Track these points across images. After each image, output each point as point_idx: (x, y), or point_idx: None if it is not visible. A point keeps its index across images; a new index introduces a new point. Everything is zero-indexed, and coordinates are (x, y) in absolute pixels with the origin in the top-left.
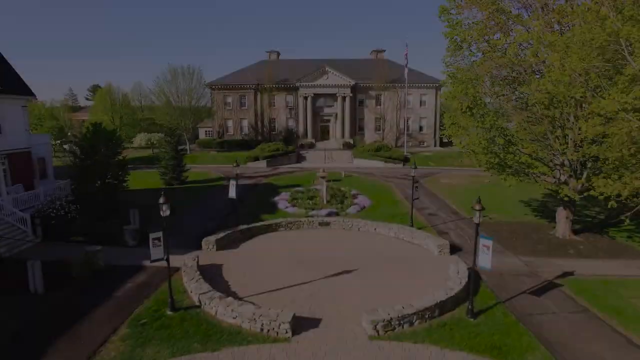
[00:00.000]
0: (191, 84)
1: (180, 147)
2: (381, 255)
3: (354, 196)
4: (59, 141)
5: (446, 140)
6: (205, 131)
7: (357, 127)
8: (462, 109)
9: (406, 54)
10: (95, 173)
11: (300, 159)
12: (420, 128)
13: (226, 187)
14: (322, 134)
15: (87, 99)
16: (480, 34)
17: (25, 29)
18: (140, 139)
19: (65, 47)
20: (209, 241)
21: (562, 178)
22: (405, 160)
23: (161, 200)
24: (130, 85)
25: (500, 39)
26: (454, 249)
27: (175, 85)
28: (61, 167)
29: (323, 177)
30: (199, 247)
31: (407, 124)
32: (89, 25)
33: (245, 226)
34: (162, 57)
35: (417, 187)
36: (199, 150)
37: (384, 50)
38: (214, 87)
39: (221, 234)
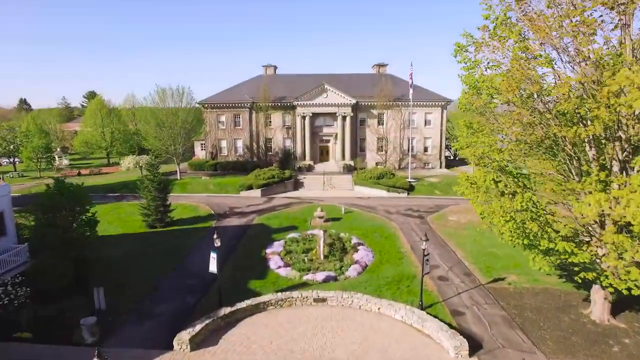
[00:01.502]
0: (181, 104)
1: (165, 180)
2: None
3: (355, 247)
4: (48, 155)
5: (450, 156)
6: (201, 144)
7: (358, 148)
8: (483, 179)
9: (411, 74)
10: (56, 241)
11: (297, 185)
12: (425, 149)
13: (218, 229)
14: (321, 154)
15: (82, 105)
16: (508, 85)
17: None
18: (128, 161)
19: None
20: (181, 340)
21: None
22: (410, 189)
23: None
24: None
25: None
26: (474, 345)
27: (164, 107)
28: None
29: (321, 218)
30: (170, 345)
31: (412, 144)
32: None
33: (229, 309)
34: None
35: (427, 259)
36: (190, 173)
37: (387, 65)
38: (206, 105)
39: (198, 326)
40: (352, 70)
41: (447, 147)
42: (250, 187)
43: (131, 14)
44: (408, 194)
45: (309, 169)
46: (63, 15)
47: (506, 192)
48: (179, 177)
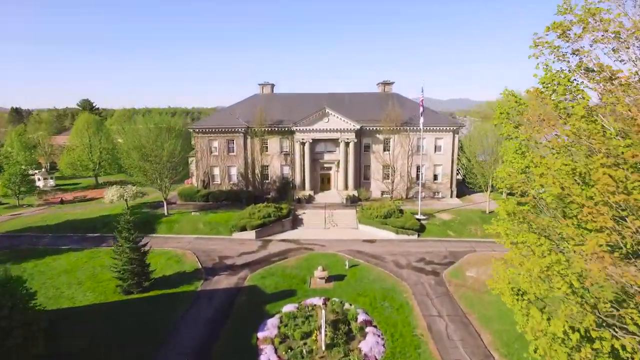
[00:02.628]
0: (167, 136)
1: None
2: None
3: (362, 327)
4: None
5: (460, 177)
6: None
7: (362, 176)
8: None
9: (422, 101)
10: None
11: (296, 222)
12: (435, 177)
13: (203, 297)
14: (322, 183)
15: (75, 115)
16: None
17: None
18: (112, 193)
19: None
20: None
21: None
22: (420, 229)
23: None
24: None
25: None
26: None
27: (150, 137)
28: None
29: (322, 278)
30: None
31: (421, 172)
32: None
33: None
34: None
35: None
36: (180, 204)
37: (392, 83)
38: (197, 130)
39: None
40: (355, 86)
41: (458, 172)
42: (243, 228)
43: (129, 15)
44: (418, 235)
45: (309, 200)
46: (63, 15)
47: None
48: (166, 213)
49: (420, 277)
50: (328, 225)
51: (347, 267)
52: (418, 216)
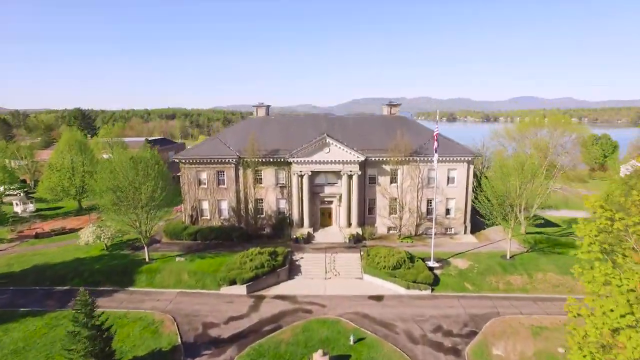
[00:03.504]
0: (147, 175)
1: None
2: None
3: None
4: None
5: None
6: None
7: (366, 210)
8: None
9: (436, 135)
10: None
11: (293, 271)
12: (447, 211)
13: None
14: (323, 218)
15: (69, 124)
16: None
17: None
18: (87, 234)
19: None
20: None
21: None
22: (434, 282)
23: None
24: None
25: None
26: None
27: (126, 177)
28: None
29: None
30: None
31: (432, 206)
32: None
33: None
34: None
35: None
36: (165, 244)
37: (399, 105)
38: (183, 161)
39: None
40: (356, 86)
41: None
42: (233, 282)
43: (128, 15)
44: (432, 290)
45: (308, 239)
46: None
47: None
48: (147, 258)
49: (438, 357)
50: (329, 274)
51: (351, 342)
52: (430, 263)
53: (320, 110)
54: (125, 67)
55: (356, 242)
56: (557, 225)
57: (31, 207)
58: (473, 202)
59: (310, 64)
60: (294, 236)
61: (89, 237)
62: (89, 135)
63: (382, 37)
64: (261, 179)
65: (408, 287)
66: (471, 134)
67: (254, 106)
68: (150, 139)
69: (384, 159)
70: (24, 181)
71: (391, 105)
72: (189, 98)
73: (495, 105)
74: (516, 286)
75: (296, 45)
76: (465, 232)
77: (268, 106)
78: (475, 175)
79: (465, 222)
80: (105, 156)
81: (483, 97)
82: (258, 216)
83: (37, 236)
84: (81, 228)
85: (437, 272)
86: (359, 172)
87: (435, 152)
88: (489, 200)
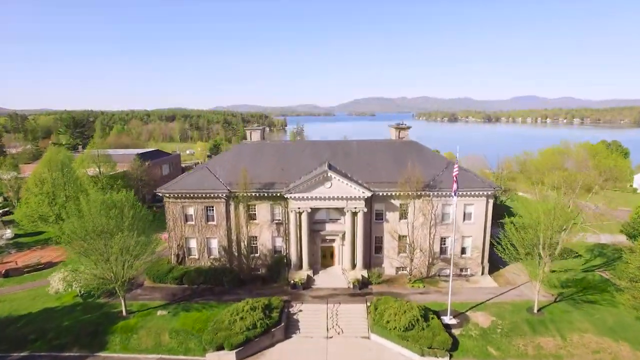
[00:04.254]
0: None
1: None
2: None
3: None
4: None
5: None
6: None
7: (372, 249)
8: None
9: (456, 176)
10: None
11: (289, 328)
12: (463, 250)
13: None
14: (324, 258)
15: (59, 132)
16: None
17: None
18: (57, 281)
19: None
20: None
21: None
22: (453, 345)
23: None
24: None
25: None
26: None
27: (97, 222)
28: None
29: None
30: None
31: (445, 245)
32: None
33: None
34: None
35: None
36: (147, 290)
37: (409, 128)
38: (168, 195)
39: None
40: (356, 85)
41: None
42: (220, 347)
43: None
44: (450, 356)
45: (307, 284)
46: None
47: None
48: (124, 311)
49: None
50: (331, 331)
51: None
52: (447, 319)
53: (321, 110)
54: (126, 67)
55: (361, 287)
56: (578, 255)
57: (8, 233)
58: (494, 246)
59: (310, 63)
60: (292, 280)
61: (58, 284)
62: (80, 146)
63: (383, 36)
64: (255, 214)
65: (422, 354)
66: (473, 135)
67: (247, 129)
68: (141, 152)
69: (393, 193)
70: (6, 199)
71: (399, 128)
72: (189, 98)
73: (496, 104)
74: (548, 351)
75: (297, 45)
76: (482, 273)
77: (263, 129)
78: (494, 202)
79: (482, 262)
80: (90, 172)
81: (484, 96)
82: (252, 255)
83: (6, 275)
84: (60, 262)
85: (455, 331)
86: (365, 209)
87: (455, 194)
88: (514, 247)
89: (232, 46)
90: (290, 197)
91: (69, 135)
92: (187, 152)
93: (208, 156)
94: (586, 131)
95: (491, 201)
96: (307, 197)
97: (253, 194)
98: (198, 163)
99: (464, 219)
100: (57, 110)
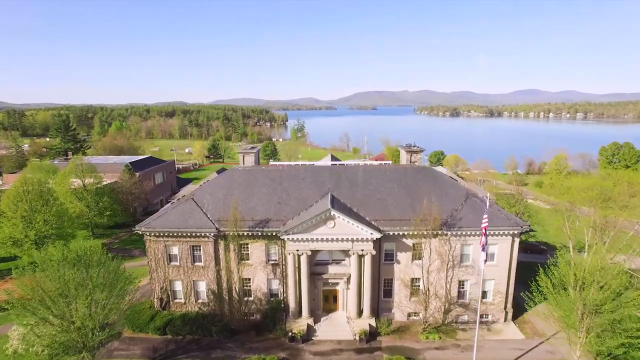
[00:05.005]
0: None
1: None
2: None
3: None
4: None
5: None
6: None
7: (381, 293)
8: None
9: (485, 229)
10: None
11: None
12: (484, 294)
13: None
14: (326, 302)
15: (50, 136)
16: None
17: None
18: (16, 338)
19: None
20: None
21: None
22: None
23: None
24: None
25: None
26: None
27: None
28: None
29: None
30: None
31: (463, 288)
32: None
33: None
34: None
35: None
36: (126, 341)
37: (422, 151)
38: (150, 234)
39: None
40: (358, 82)
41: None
42: None
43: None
44: None
45: (307, 336)
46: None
47: None
48: None
49: None
50: None
51: None
52: None
53: (322, 104)
54: (127, 61)
55: (369, 339)
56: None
57: None
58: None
59: (311, 57)
60: (290, 332)
61: (18, 344)
62: (70, 151)
63: (385, 29)
64: (248, 254)
65: None
66: (476, 130)
67: (239, 152)
68: (133, 160)
69: (406, 232)
70: None
71: (411, 151)
72: (189, 92)
73: (498, 98)
74: None
75: (298, 38)
76: (505, 320)
77: (258, 150)
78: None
79: (506, 308)
80: (75, 183)
81: (486, 90)
82: (245, 299)
83: None
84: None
85: None
86: (374, 252)
87: (483, 249)
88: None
89: (233, 40)
90: (288, 238)
91: (60, 139)
92: (186, 150)
93: (206, 157)
94: (590, 127)
95: (517, 240)
96: (307, 238)
97: (247, 233)
98: (196, 164)
99: (485, 260)
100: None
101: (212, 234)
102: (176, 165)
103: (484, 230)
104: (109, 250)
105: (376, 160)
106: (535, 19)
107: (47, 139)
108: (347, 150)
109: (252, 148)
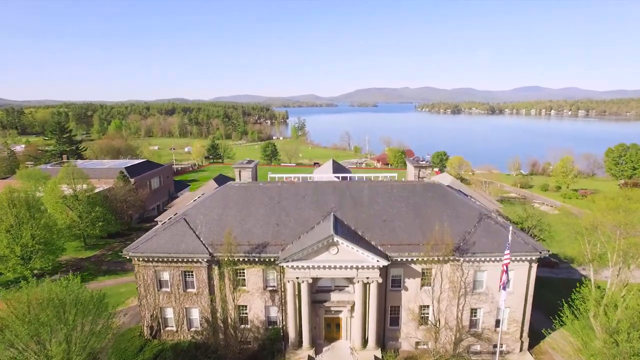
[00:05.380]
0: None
1: None
2: None
3: None
4: None
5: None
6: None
7: (387, 321)
8: None
9: (506, 268)
10: None
11: None
12: (497, 323)
13: None
14: (329, 331)
15: (45, 139)
16: None
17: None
18: None
19: None
20: None
21: None
22: None
23: None
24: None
25: None
26: None
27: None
28: None
29: None
30: None
31: (475, 316)
32: None
33: None
34: None
35: None
36: None
37: (431, 166)
38: (138, 259)
39: None
40: (359, 79)
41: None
42: None
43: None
44: None
45: None
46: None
47: None
48: None
49: None
50: None
51: None
52: None
53: (323, 101)
54: (127, 58)
55: None
56: None
57: None
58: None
59: (312, 53)
60: None
61: None
62: (65, 155)
63: (385, 26)
64: (244, 279)
65: None
66: (477, 128)
67: (234, 167)
68: (128, 165)
69: (415, 258)
70: None
71: (419, 166)
72: (190, 89)
73: (500, 95)
74: None
75: (298, 34)
76: (521, 350)
77: (255, 165)
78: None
79: (521, 337)
80: (66, 191)
81: (487, 87)
82: (241, 326)
83: None
84: None
85: None
86: (380, 280)
87: (504, 288)
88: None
89: (234, 36)
90: (287, 266)
91: (55, 141)
92: (186, 149)
93: (206, 157)
94: (593, 125)
95: (535, 266)
96: (308, 266)
97: (242, 259)
98: (195, 164)
99: (500, 287)
100: (58, 101)
101: (205, 260)
102: (175, 166)
103: (505, 268)
104: (102, 263)
105: (378, 160)
106: (537, 15)
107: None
108: (348, 149)
109: (249, 162)
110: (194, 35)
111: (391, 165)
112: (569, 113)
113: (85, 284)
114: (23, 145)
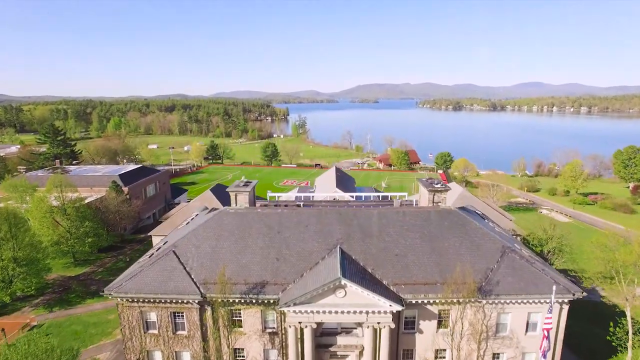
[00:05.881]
0: None
1: None
2: None
3: None
4: None
5: None
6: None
7: None
8: None
9: (547, 334)
10: None
11: None
12: None
13: None
14: None
15: (38, 141)
16: None
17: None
18: None
19: None
20: None
21: None
22: None
23: None
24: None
25: None
26: None
27: None
28: None
29: None
30: None
31: None
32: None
33: None
34: None
35: None
36: None
37: (447, 190)
38: (119, 298)
39: None
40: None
41: None
42: None
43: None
44: None
45: None
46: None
47: None
48: None
49: None
50: None
51: None
52: None
53: (323, 97)
54: (127, 53)
55: None
56: None
57: None
58: None
59: (313, 49)
60: None
61: None
62: (59, 159)
63: (386, 21)
64: (240, 321)
65: None
66: (480, 125)
67: (229, 190)
68: (122, 172)
69: (431, 300)
70: None
71: (434, 190)
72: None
73: (501, 91)
74: None
75: (299, 30)
76: None
77: (253, 187)
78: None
79: None
80: (54, 202)
81: (488, 82)
82: None
83: None
84: None
85: None
86: (392, 325)
87: (543, 356)
88: None
89: (234, 31)
90: (289, 310)
91: (49, 144)
92: (185, 148)
93: (205, 158)
94: (596, 122)
95: (566, 308)
96: (312, 310)
97: (238, 299)
98: (194, 165)
99: (526, 331)
100: (58, 97)
101: (196, 301)
102: (173, 168)
103: (545, 333)
104: (91, 282)
105: (380, 161)
106: (538, 10)
107: (39, 140)
108: (349, 148)
109: (246, 184)
110: (195, 30)
111: (394, 167)
112: (571, 110)
113: (72, 309)
114: (18, 146)
